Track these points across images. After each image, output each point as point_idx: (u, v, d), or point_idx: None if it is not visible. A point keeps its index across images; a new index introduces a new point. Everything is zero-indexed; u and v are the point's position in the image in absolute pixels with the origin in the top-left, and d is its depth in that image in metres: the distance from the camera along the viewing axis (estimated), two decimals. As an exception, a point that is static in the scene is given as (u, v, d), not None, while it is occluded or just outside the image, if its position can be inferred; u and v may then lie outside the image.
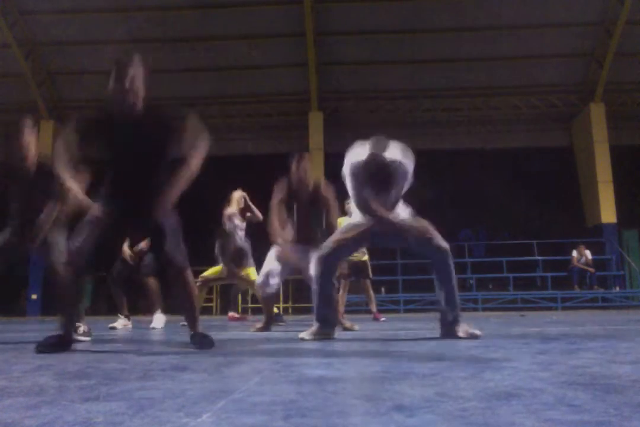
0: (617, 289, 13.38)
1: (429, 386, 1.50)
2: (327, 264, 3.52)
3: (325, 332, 3.51)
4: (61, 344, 2.83)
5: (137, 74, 2.91)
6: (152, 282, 5.81)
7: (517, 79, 14.55)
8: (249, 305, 11.86)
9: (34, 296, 13.80)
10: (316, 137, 14.46)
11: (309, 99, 14.56)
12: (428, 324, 5.82)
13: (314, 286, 3.58)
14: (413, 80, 14.55)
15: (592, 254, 13.09)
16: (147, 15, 13.50)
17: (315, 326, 3.53)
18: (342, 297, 7.79)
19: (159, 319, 5.66)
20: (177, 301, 3.12)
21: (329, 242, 3.56)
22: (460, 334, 3.38)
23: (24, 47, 13.94)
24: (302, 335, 3.48)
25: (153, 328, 5.39)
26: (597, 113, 14.21)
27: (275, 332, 4.73)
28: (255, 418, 1.12)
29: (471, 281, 13.43)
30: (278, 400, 1.32)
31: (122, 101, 2.90)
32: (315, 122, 14.57)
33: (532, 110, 14.89)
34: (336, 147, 14.78)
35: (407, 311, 12.09)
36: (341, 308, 7.75)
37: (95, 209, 2.95)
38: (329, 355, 2.44)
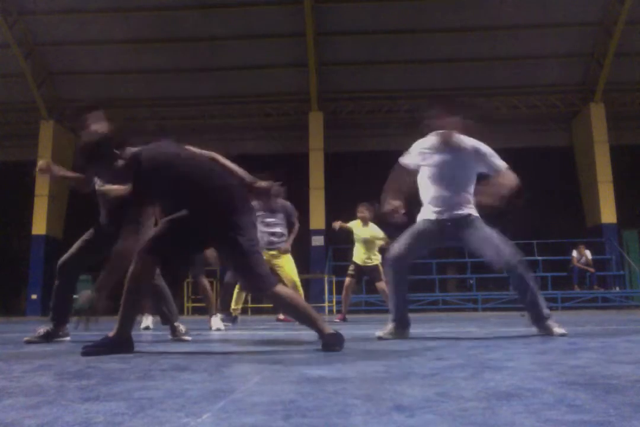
0: (617, 289, 13.38)
1: (429, 386, 1.49)
2: (400, 265, 3.57)
3: (400, 332, 3.58)
4: (115, 346, 2.65)
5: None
6: (206, 282, 5.48)
7: (517, 79, 14.56)
8: (249, 305, 11.86)
9: (34, 296, 13.81)
10: (316, 137, 14.47)
11: (309, 99, 14.56)
12: (428, 324, 5.82)
13: (390, 287, 3.64)
14: (413, 80, 14.56)
15: (592, 254, 13.10)
16: (147, 15, 13.50)
17: (391, 325, 3.59)
18: (346, 298, 7.80)
19: (216, 322, 5.30)
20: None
21: (400, 245, 3.58)
22: (555, 331, 3.43)
23: (24, 47, 13.94)
24: (379, 333, 3.53)
25: (218, 329, 5.13)
26: (597, 113, 14.22)
27: (275, 332, 4.73)
28: (255, 418, 1.12)
29: (471, 281, 13.44)
30: (278, 400, 1.32)
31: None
32: (315, 122, 14.57)
33: (532, 110, 14.90)
34: (336, 147, 14.91)
35: (409, 310, 12.07)
36: (345, 308, 7.77)
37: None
38: (329, 355, 2.44)
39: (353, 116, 15.15)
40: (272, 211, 6.56)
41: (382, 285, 7.40)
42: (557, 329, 3.42)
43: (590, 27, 13.64)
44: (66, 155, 15.60)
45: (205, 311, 5.55)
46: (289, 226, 6.72)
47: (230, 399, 1.35)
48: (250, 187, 3.00)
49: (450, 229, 3.61)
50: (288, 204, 6.78)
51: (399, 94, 14.83)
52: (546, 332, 3.45)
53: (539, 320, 3.52)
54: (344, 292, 7.80)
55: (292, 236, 6.68)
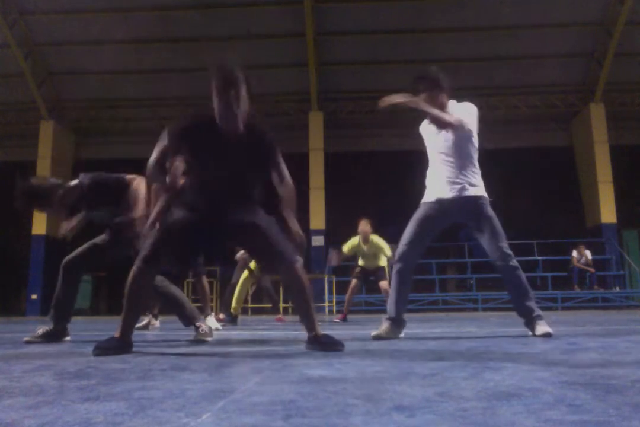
0: (617, 289, 13.38)
1: (429, 386, 1.49)
2: (408, 263, 3.53)
3: (394, 331, 3.54)
4: (122, 347, 2.69)
5: (242, 85, 2.74)
6: (205, 283, 5.52)
7: (517, 79, 14.56)
8: (249, 305, 11.86)
9: (34, 296, 13.81)
10: (316, 137, 14.47)
11: (309, 99, 14.56)
12: (428, 324, 5.83)
13: (393, 285, 3.59)
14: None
15: (592, 254, 13.10)
16: (147, 15, 13.50)
17: (386, 324, 3.54)
18: (349, 298, 7.65)
19: (211, 322, 5.26)
20: (293, 300, 2.98)
21: (406, 240, 3.51)
22: (537, 333, 3.39)
23: (24, 47, 13.94)
24: (375, 333, 3.51)
25: (216, 329, 5.03)
26: (597, 113, 14.22)
27: (275, 332, 4.72)
28: (255, 418, 1.12)
29: (471, 281, 13.44)
30: (278, 400, 1.32)
31: (226, 116, 2.77)
32: (315, 122, 14.57)
33: (532, 110, 14.90)
34: (336, 147, 14.91)
35: (407, 310, 12.08)
36: (347, 308, 7.66)
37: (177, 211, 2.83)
38: (329, 355, 2.44)
39: (353, 116, 15.14)
40: None
41: (385, 284, 7.26)
42: (543, 328, 3.37)
43: (590, 27, 13.64)
44: (66, 156, 15.62)
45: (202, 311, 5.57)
46: None
47: (230, 399, 1.35)
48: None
49: (454, 211, 3.50)
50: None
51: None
52: (532, 331, 3.42)
53: (529, 319, 3.48)
54: (348, 292, 7.69)
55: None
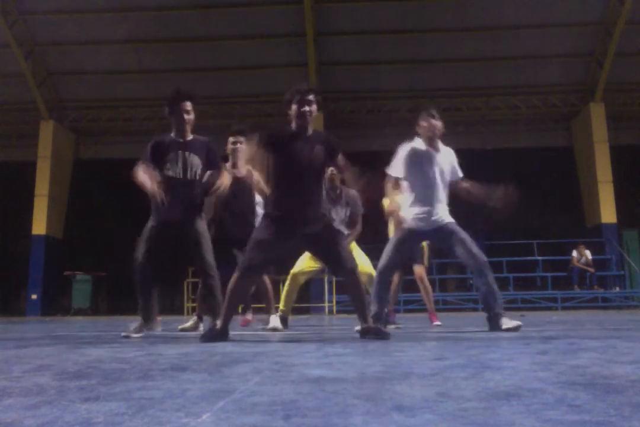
0: (617, 289, 13.38)
1: (429, 386, 1.49)
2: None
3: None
4: (221, 335, 3.47)
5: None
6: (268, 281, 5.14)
7: (517, 79, 14.57)
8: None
9: (34, 296, 13.81)
10: (316, 137, 14.47)
11: (309, 99, 14.56)
12: (428, 324, 5.83)
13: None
14: (413, 80, 14.55)
15: (592, 254, 13.10)
16: (147, 15, 13.51)
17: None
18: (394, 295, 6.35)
19: (274, 321, 4.93)
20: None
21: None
22: (503, 327, 4.01)
23: (24, 47, 13.95)
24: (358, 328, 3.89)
25: (273, 329, 4.82)
26: (597, 113, 14.23)
27: (275, 332, 4.72)
28: (255, 418, 1.12)
29: (471, 281, 13.43)
30: (278, 400, 1.32)
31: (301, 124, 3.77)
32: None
33: (532, 110, 14.90)
34: (336, 147, 14.90)
35: (407, 311, 12.09)
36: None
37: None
38: (329, 355, 2.44)
39: (353, 116, 15.14)
40: (334, 203, 5.34)
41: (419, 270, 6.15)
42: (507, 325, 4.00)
43: (590, 27, 13.65)
44: (66, 156, 15.62)
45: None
46: (351, 223, 5.41)
47: (230, 399, 1.35)
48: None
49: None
50: (356, 195, 5.41)
51: (399, 94, 14.83)
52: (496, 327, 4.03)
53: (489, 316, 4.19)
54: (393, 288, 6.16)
55: (351, 238, 5.37)
